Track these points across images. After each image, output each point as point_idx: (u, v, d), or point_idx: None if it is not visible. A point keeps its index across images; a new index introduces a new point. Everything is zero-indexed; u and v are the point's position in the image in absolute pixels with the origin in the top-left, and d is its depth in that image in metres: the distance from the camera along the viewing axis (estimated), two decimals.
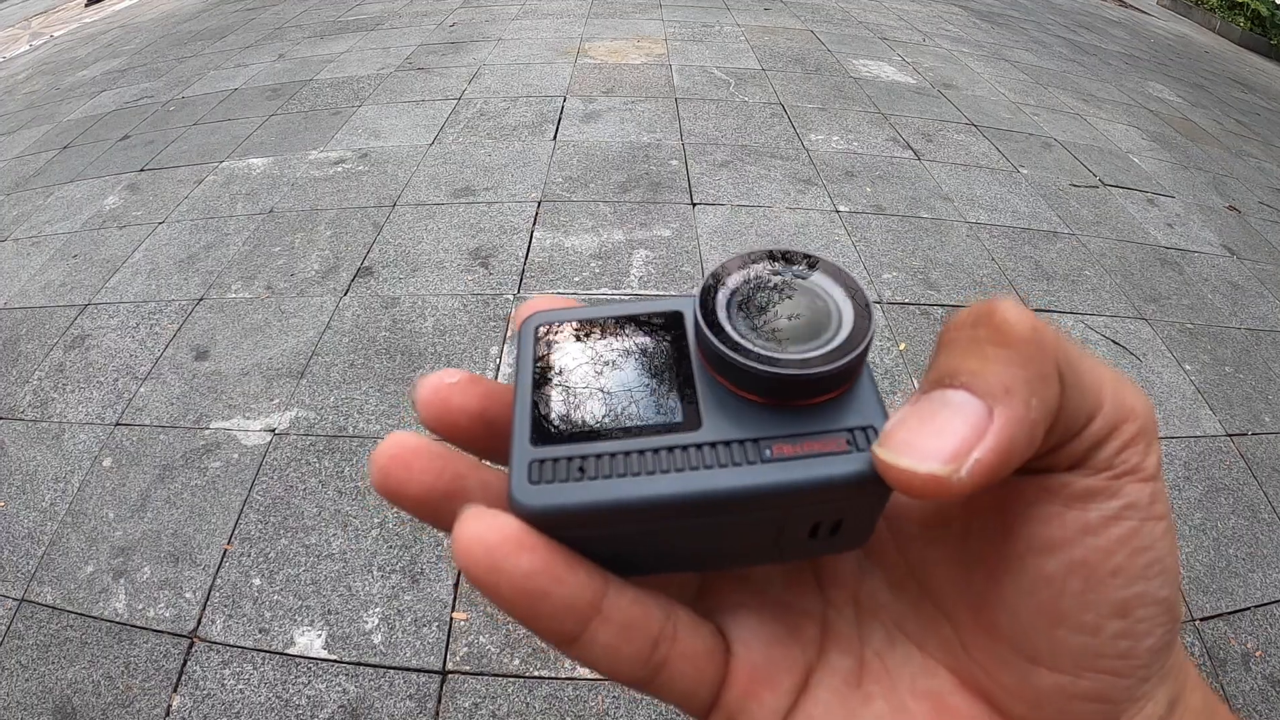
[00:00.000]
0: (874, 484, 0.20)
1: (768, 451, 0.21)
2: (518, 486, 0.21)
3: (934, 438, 0.18)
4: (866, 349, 0.22)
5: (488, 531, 0.20)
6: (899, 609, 0.25)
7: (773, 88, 4.18)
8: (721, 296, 0.24)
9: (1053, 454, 0.20)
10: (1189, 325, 2.63)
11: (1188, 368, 2.43)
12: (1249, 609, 1.75)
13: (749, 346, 0.22)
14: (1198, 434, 2.19)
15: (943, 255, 2.81)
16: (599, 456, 0.21)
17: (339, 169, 3.34)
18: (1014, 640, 0.21)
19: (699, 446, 0.21)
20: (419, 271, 2.64)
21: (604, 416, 0.23)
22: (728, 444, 0.21)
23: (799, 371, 0.21)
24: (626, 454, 0.21)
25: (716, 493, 0.21)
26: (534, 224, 2.87)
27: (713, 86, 4.15)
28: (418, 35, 5.18)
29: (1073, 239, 3.02)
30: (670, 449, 0.21)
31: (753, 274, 0.24)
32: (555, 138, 3.52)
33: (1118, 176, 3.64)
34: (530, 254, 2.70)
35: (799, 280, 0.24)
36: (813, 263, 0.25)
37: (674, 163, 3.30)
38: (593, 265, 2.64)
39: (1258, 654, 1.67)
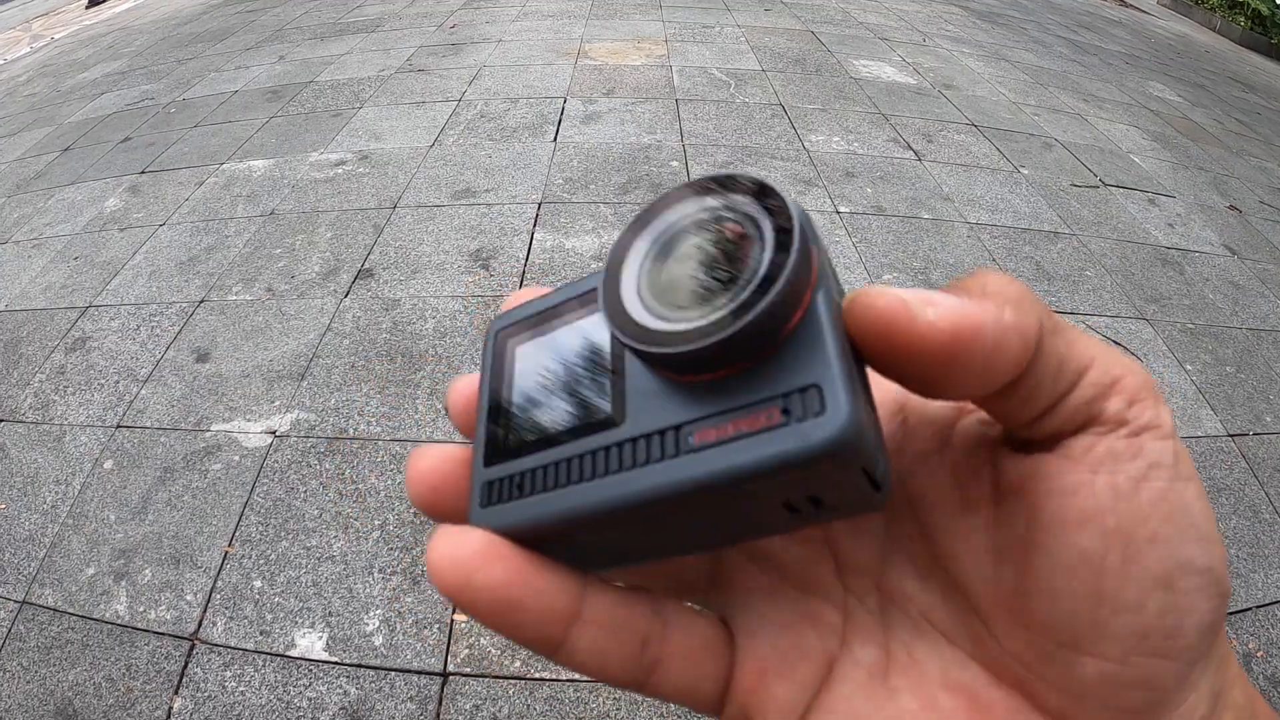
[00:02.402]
0: (823, 458, 0.17)
1: (690, 440, 0.19)
2: (472, 511, 0.21)
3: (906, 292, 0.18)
4: (790, 288, 0.18)
5: (457, 547, 0.20)
6: (926, 599, 0.23)
7: (773, 88, 4.18)
8: (634, 259, 0.21)
9: (1059, 409, 0.20)
10: (1190, 325, 2.63)
11: (1189, 368, 2.43)
12: (1250, 609, 1.75)
13: (643, 322, 0.20)
14: (1199, 434, 2.19)
15: (943, 256, 2.81)
16: (537, 470, 0.21)
17: (339, 171, 3.35)
18: (1054, 629, 0.20)
19: (620, 445, 0.20)
20: (419, 273, 2.64)
21: (546, 422, 0.22)
22: (648, 437, 0.19)
23: (687, 347, 0.18)
24: (562, 462, 0.21)
25: (640, 495, 0.19)
26: (534, 225, 2.87)
27: (713, 87, 4.15)
28: (418, 37, 5.18)
29: (1073, 239, 3.02)
30: (597, 451, 0.20)
31: (674, 218, 0.22)
32: (555, 139, 3.52)
33: (1118, 176, 3.64)
34: (531, 255, 2.70)
35: (725, 215, 0.21)
36: (737, 185, 0.21)
37: (674, 164, 3.30)
38: (594, 267, 2.64)
39: (1259, 654, 1.66)
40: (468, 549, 0.20)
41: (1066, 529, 0.19)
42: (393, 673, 1.54)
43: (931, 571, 0.23)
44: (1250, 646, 1.68)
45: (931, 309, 0.18)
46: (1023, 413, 0.20)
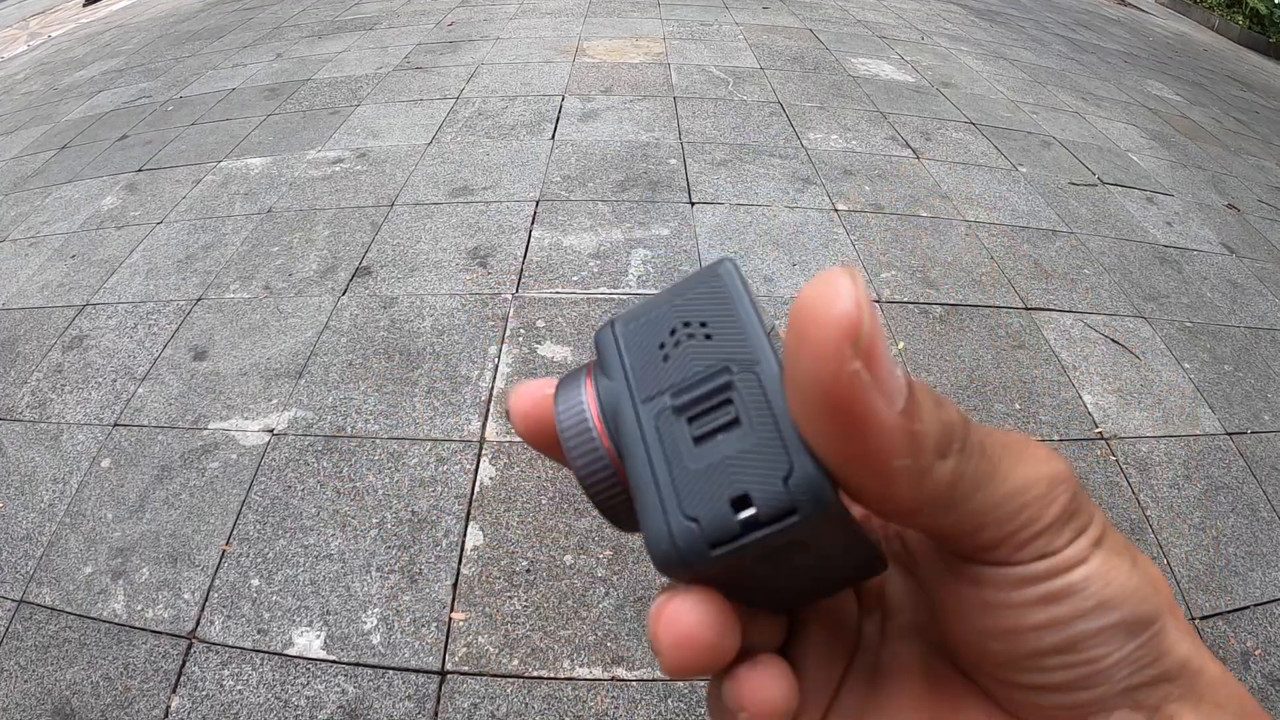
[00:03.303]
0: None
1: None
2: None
3: None
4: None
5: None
6: (916, 615, 0.26)
7: (771, 86, 4.17)
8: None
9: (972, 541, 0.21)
10: (1188, 324, 2.63)
11: (1187, 366, 2.43)
12: (1248, 608, 1.75)
13: None
14: (1197, 433, 2.19)
15: (941, 254, 2.80)
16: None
17: (337, 168, 3.34)
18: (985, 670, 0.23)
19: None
20: (417, 271, 2.64)
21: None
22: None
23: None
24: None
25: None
26: (532, 223, 2.87)
27: (711, 85, 4.14)
28: (416, 34, 5.17)
29: (1071, 237, 3.02)
30: None
31: None
32: (553, 137, 3.51)
33: (1117, 175, 3.64)
34: (528, 253, 2.70)
35: None
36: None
37: (672, 161, 3.30)
38: (591, 264, 2.63)
39: (1257, 653, 1.67)
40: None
41: (953, 621, 0.23)
42: (390, 671, 1.54)
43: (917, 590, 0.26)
44: (1248, 645, 1.68)
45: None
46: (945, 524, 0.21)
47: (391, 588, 1.68)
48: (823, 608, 0.26)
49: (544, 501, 1.86)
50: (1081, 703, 0.21)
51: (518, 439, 1.76)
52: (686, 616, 0.20)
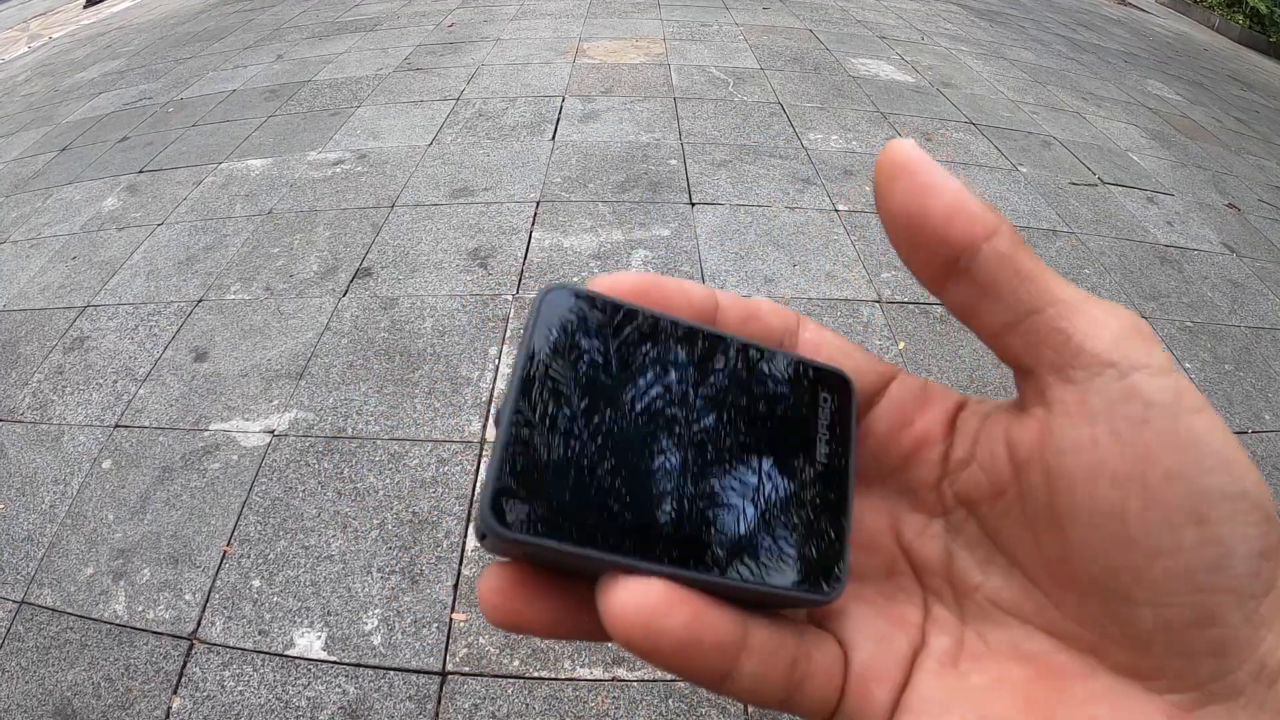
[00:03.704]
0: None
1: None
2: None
3: None
4: None
5: (641, 597, 0.20)
6: (992, 585, 0.24)
7: (771, 87, 4.17)
8: None
9: (1030, 325, 0.21)
10: (1189, 323, 2.63)
11: (1188, 366, 2.43)
12: None
13: None
14: None
15: None
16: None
17: (337, 170, 3.34)
18: (1099, 586, 0.20)
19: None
20: (418, 272, 2.64)
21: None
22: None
23: None
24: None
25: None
26: (533, 224, 2.87)
27: (711, 86, 4.14)
28: (416, 36, 5.18)
29: (1072, 237, 3.02)
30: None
31: None
32: (554, 138, 3.52)
33: (1117, 175, 3.64)
34: (529, 254, 2.70)
35: None
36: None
37: (673, 162, 3.30)
38: (592, 265, 2.63)
39: None
40: (652, 598, 0.20)
41: (1080, 486, 0.20)
42: (391, 672, 1.54)
43: (990, 558, 0.24)
44: None
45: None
46: (989, 317, 0.22)
47: (392, 588, 1.68)
48: (865, 587, 0.26)
49: None
50: (1213, 614, 0.19)
51: None
52: (484, 582, 0.22)
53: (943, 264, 0.22)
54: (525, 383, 0.21)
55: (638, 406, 0.22)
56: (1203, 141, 4.34)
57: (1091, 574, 0.21)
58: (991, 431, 0.24)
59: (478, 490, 0.21)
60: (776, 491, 0.23)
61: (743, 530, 0.22)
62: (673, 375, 0.23)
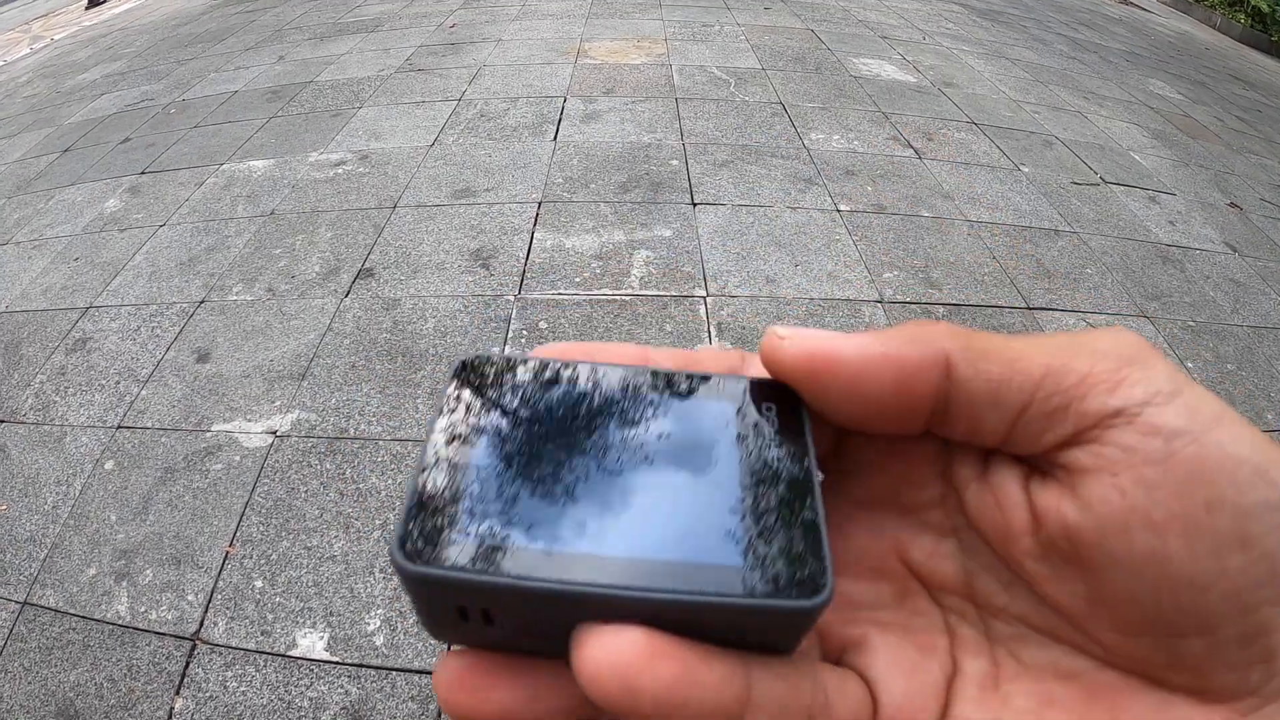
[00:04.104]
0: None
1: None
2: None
3: None
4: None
5: (617, 650, 0.18)
6: (1018, 606, 0.23)
7: (773, 87, 4.17)
8: None
9: (1026, 425, 0.21)
10: (1191, 323, 2.63)
11: (1190, 365, 2.43)
12: None
13: None
14: None
15: (944, 254, 2.80)
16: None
17: (339, 171, 3.34)
18: (1146, 627, 0.19)
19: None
20: (420, 273, 2.64)
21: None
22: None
23: None
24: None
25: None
26: (535, 225, 2.87)
27: (713, 86, 4.14)
28: (417, 37, 5.18)
29: (1074, 237, 3.02)
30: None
31: None
32: (555, 138, 3.52)
33: (1119, 174, 3.64)
34: (531, 255, 2.70)
35: None
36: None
37: (674, 163, 3.30)
38: (593, 266, 2.63)
39: None
40: (630, 649, 0.18)
41: (1111, 538, 0.19)
42: (394, 672, 1.54)
43: (1014, 582, 0.23)
44: None
45: (789, 342, 0.22)
46: (987, 431, 0.21)
47: (395, 589, 1.68)
48: (880, 613, 0.24)
49: None
50: (1265, 625, 0.18)
51: None
52: (440, 673, 0.20)
53: (921, 422, 0.22)
54: (440, 434, 0.22)
55: (558, 441, 0.22)
56: (1204, 141, 4.34)
57: (1136, 617, 0.20)
58: (1001, 473, 0.23)
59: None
60: (726, 502, 0.21)
61: (699, 542, 0.20)
62: (598, 407, 0.23)
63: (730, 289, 2.54)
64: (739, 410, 0.23)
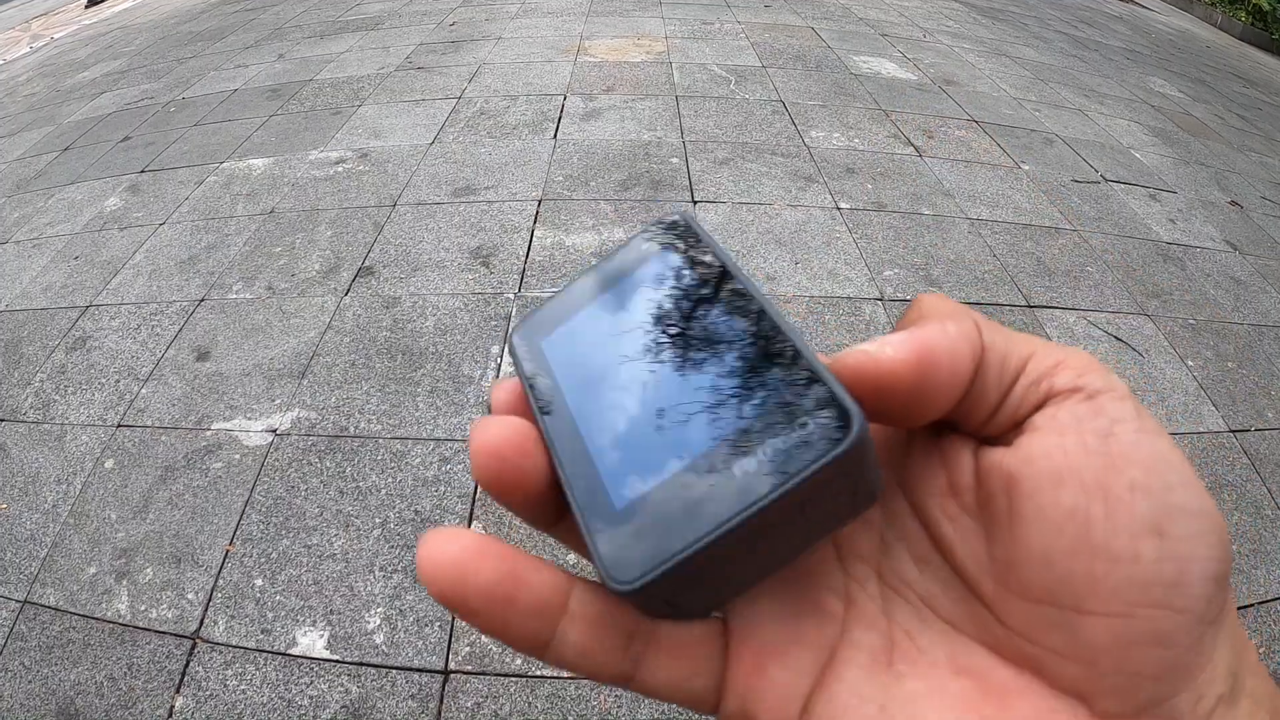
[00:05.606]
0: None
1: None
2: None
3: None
4: None
5: (451, 546, 0.21)
6: (926, 585, 0.23)
7: (773, 85, 4.17)
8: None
9: (1010, 399, 0.22)
10: (1192, 321, 2.63)
11: (1190, 364, 2.42)
12: (1252, 605, 1.75)
13: None
14: (1200, 430, 2.18)
15: (944, 252, 2.80)
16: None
17: (339, 169, 3.34)
18: (1052, 593, 0.20)
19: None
20: (420, 271, 2.64)
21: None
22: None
23: None
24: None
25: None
26: (535, 222, 2.87)
27: (713, 84, 4.14)
28: (418, 34, 5.17)
29: (1074, 235, 3.02)
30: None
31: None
32: (556, 136, 3.51)
33: (1119, 172, 3.63)
34: (531, 253, 2.70)
35: None
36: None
37: (674, 160, 3.30)
38: (594, 263, 2.63)
39: (1260, 651, 1.66)
40: (461, 548, 0.20)
41: (1044, 490, 0.20)
42: (394, 671, 1.54)
43: (928, 558, 0.24)
44: (1253, 643, 1.67)
45: (889, 347, 0.21)
46: (979, 411, 0.22)
47: (395, 587, 1.68)
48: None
49: None
50: (1165, 633, 0.19)
51: None
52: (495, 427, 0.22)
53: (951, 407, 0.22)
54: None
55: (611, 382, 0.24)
56: (1205, 139, 4.33)
57: (1046, 580, 0.20)
58: (953, 437, 0.24)
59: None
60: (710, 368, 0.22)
61: (718, 414, 0.21)
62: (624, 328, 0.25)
63: None
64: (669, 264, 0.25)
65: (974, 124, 3.91)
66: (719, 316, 0.23)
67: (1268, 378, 2.42)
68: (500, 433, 0.23)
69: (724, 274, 0.24)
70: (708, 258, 0.25)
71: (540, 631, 0.21)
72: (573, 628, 0.21)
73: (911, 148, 3.56)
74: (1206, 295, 2.78)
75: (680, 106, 3.82)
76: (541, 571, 0.21)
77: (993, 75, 4.76)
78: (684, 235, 0.26)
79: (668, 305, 0.24)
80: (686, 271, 0.25)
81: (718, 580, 0.21)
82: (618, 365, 0.24)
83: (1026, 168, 3.51)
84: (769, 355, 0.21)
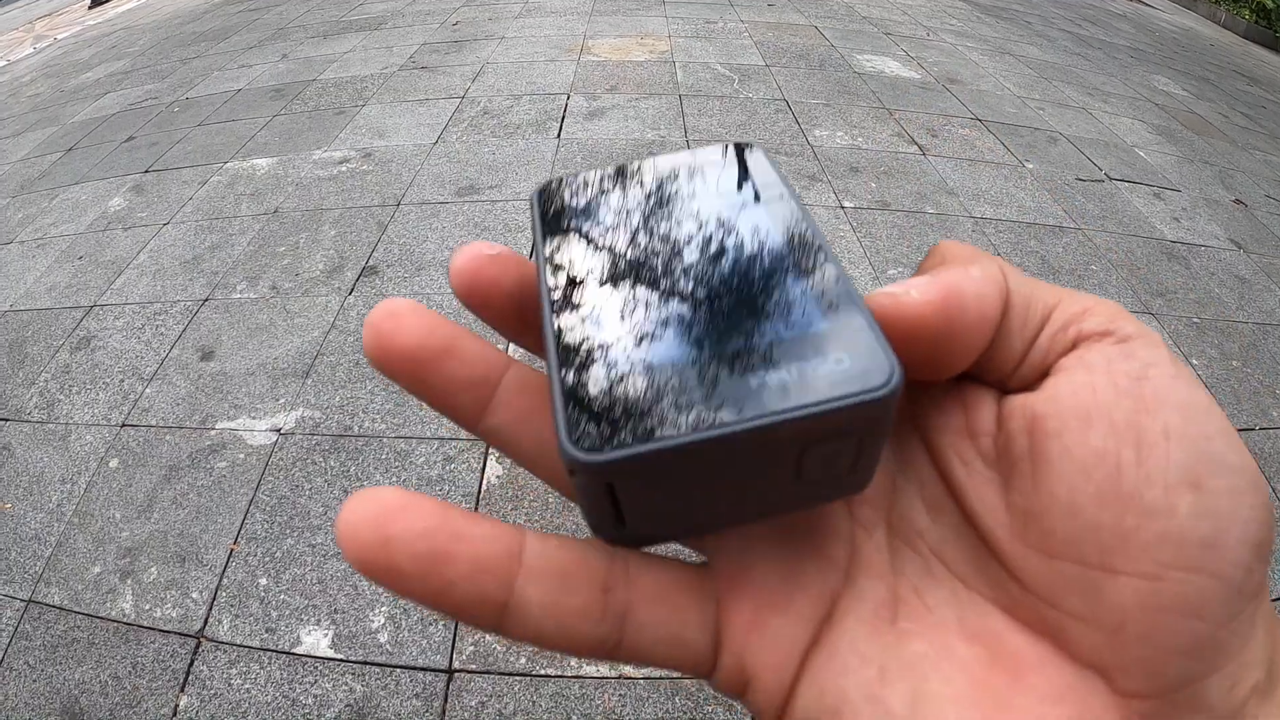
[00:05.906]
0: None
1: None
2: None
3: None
4: None
5: (368, 503, 0.18)
6: (937, 535, 0.21)
7: (777, 84, 4.17)
8: None
9: (1037, 346, 0.20)
10: (1196, 319, 2.62)
11: (1194, 362, 2.42)
12: None
13: None
14: None
15: None
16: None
17: (343, 168, 3.35)
18: (1077, 546, 0.18)
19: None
20: (424, 270, 2.64)
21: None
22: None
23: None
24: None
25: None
26: None
27: (717, 83, 4.14)
28: (421, 34, 5.18)
29: (1079, 233, 3.01)
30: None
31: None
32: (559, 135, 3.51)
33: (1123, 170, 3.62)
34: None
35: None
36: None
37: None
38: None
39: None
40: (381, 504, 0.18)
41: (1071, 431, 0.18)
42: (398, 670, 1.54)
43: (942, 506, 0.22)
44: None
45: (914, 290, 0.19)
46: (1004, 361, 0.20)
47: None
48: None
49: (551, 500, 1.86)
50: (1198, 601, 0.17)
51: None
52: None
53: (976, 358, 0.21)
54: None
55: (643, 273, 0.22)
56: (1209, 137, 4.32)
57: (1071, 531, 0.18)
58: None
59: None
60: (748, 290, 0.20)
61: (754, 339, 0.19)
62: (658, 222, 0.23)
63: None
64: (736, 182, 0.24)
65: (978, 123, 3.90)
66: (774, 237, 0.21)
67: (1273, 376, 2.41)
68: (485, 246, 0.23)
69: (788, 203, 0.23)
70: (774, 182, 0.24)
71: (491, 590, 0.18)
72: (533, 584, 0.18)
73: (915, 146, 3.56)
74: (1211, 294, 2.77)
75: (684, 106, 3.82)
76: (481, 524, 0.18)
77: (996, 74, 4.75)
78: (755, 158, 0.25)
79: (724, 210, 0.23)
80: (750, 187, 0.24)
81: (687, 497, 0.18)
82: (654, 244, 0.22)
83: (1030, 166, 3.50)
84: (821, 291, 0.20)
